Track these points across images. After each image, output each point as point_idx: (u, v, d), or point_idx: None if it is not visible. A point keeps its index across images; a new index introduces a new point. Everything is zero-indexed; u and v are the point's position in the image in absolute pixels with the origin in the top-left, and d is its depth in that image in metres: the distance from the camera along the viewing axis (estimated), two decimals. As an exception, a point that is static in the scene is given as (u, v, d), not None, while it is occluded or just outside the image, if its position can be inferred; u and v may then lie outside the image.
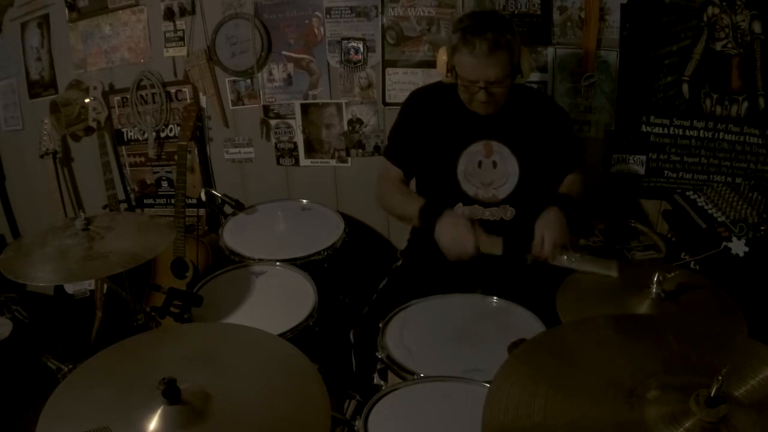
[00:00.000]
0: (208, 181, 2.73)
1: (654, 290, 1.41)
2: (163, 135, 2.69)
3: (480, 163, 1.93)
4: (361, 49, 2.40)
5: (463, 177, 1.94)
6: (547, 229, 1.71)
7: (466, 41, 1.69)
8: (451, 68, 1.80)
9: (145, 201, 2.86)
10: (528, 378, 0.98)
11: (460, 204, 1.96)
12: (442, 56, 1.85)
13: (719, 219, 1.90)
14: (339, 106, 2.51)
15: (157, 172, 2.79)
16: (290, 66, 2.48)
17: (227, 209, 2.41)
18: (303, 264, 2.03)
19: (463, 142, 1.92)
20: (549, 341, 1.14)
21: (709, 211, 1.96)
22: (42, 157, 2.68)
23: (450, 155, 1.93)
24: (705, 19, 2.11)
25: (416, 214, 1.81)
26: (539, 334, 1.20)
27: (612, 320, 1.15)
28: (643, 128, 2.31)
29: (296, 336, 1.70)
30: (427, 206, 1.80)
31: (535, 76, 2.29)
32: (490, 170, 1.93)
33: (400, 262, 2.11)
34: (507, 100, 1.87)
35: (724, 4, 2.07)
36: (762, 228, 1.81)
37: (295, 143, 2.62)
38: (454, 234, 1.70)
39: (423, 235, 2.11)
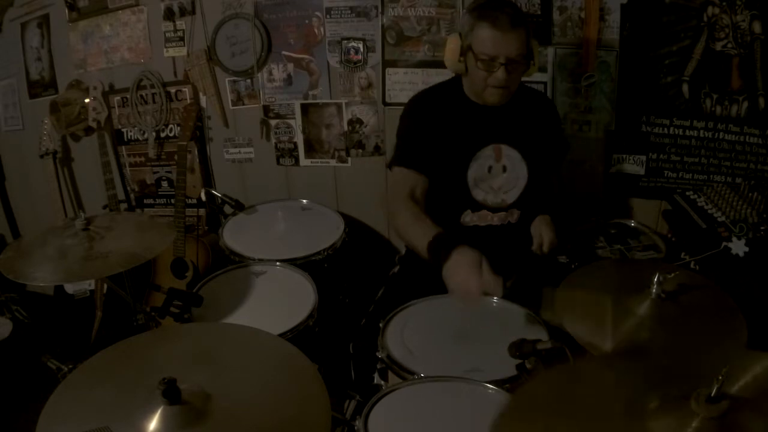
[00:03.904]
0: (208, 181, 2.73)
1: (654, 290, 1.41)
2: (163, 135, 2.69)
3: (490, 168, 1.89)
4: (361, 49, 2.40)
5: (473, 183, 1.89)
6: (544, 233, 1.83)
7: (487, 15, 1.67)
8: (465, 52, 1.75)
9: (145, 201, 2.86)
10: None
11: (469, 211, 1.92)
12: (451, 44, 1.79)
13: (719, 219, 1.90)
14: (339, 106, 2.51)
15: (157, 172, 2.79)
16: (290, 66, 2.48)
17: (227, 209, 2.41)
18: (303, 264, 2.03)
19: (474, 147, 1.87)
20: (541, 390, 1.10)
21: (709, 211, 1.96)
22: (42, 157, 2.68)
23: (461, 161, 1.88)
24: (705, 19, 2.11)
25: (425, 249, 1.61)
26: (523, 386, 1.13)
27: (604, 359, 1.13)
28: (643, 128, 2.31)
29: (296, 336, 1.70)
30: (435, 242, 1.59)
31: (535, 76, 2.28)
32: (500, 175, 1.90)
33: (397, 268, 2.10)
34: (511, 100, 1.85)
35: (724, 4, 2.07)
36: (762, 228, 1.81)
37: (295, 143, 2.62)
38: (462, 277, 1.49)
39: None
